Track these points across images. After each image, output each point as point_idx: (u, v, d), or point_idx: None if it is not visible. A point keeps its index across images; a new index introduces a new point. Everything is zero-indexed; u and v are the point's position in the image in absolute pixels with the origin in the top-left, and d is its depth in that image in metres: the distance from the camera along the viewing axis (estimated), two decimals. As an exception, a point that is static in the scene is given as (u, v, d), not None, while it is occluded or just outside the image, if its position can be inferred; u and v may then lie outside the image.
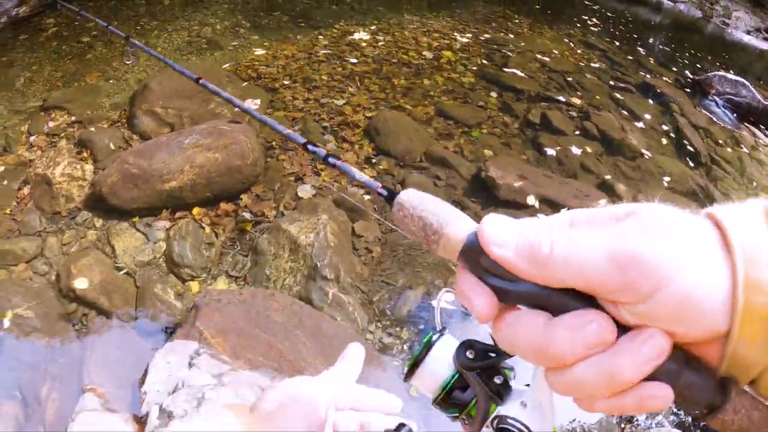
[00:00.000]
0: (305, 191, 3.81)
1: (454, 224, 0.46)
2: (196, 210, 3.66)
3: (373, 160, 4.25)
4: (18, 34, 6.25)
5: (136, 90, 4.89)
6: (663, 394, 0.39)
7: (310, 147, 0.90)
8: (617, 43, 10.05)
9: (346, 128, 4.58)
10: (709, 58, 12.67)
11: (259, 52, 5.81)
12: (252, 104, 4.55)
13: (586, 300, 0.41)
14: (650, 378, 0.39)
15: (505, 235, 0.43)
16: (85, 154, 4.18)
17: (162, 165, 3.68)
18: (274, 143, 4.28)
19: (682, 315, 0.38)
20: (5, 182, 3.91)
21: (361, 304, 3.23)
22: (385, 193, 0.61)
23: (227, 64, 5.50)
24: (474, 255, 0.44)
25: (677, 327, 0.38)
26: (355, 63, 5.70)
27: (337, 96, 5.02)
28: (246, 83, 5.10)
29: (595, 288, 0.40)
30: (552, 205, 4.26)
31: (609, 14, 12.61)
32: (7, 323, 2.91)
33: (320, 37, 6.30)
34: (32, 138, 4.40)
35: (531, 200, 4.21)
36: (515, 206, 4.18)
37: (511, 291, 0.43)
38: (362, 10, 7.56)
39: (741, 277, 0.36)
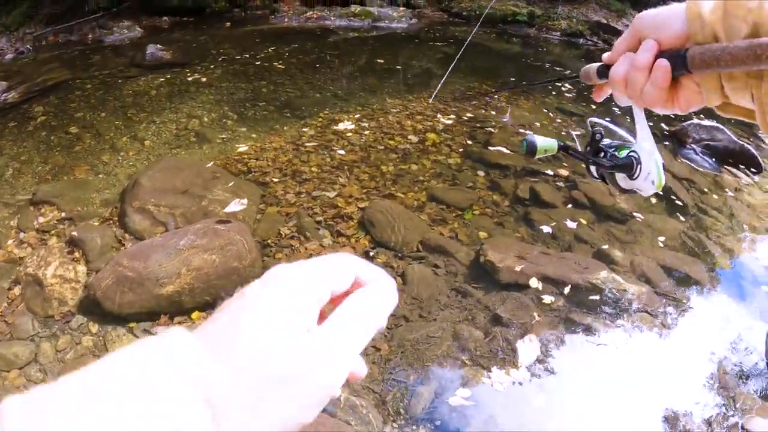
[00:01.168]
0: None
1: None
2: (195, 315, 3.62)
3: (371, 254, 4.26)
4: (7, 121, 6.27)
5: (126, 185, 4.89)
6: (661, 61, 0.75)
7: None
8: (593, 106, 10.26)
9: (340, 221, 4.59)
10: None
11: (248, 144, 5.87)
12: (239, 204, 4.53)
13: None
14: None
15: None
16: (77, 254, 4.12)
17: (158, 268, 3.64)
18: (269, 241, 4.28)
19: (656, 25, 0.77)
20: (-4, 280, 3.85)
21: (374, 405, 3.18)
22: None
23: (217, 159, 5.52)
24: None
25: (655, 34, 0.77)
26: (343, 153, 5.77)
27: (328, 188, 5.06)
28: (237, 178, 5.10)
29: (627, 47, 0.85)
30: (554, 283, 4.27)
31: (578, 77, 12.89)
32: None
33: (306, 127, 6.38)
34: (22, 234, 4.37)
35: (534, 282, 4.22)
36: (517, 288, 4.18)
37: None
38: (345, 97, 7.70)
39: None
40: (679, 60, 0.72)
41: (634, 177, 1.05)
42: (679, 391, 3.80)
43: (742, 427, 3.52)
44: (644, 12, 0.80)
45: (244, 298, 0.44)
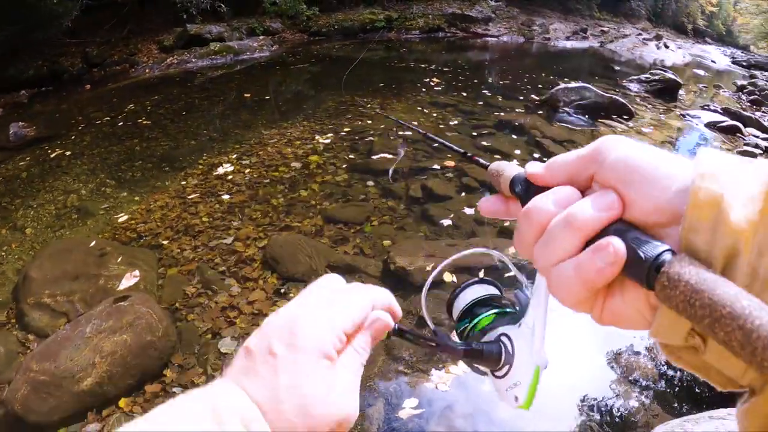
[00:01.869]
0: (227, 345, 3.70)
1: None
2: (122, 402, 3.46)
3: (282, 290, 4.22)
4: None
5: (17, 282, 4.65)
6: (616, 242, 0.44)
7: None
8: (464, 94, 10.58)
9: (243, 266, 4.53)
10: (544, 75, 13.55)
11: (132, 208, 5.67)
12: (132, 278, 4.39)
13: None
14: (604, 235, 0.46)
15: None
16: (-18, 369, 3.90)
17: (71, 363, 3.47)
18: (177, 304, 4.15)
19: (627, 177, 0.46)
20: None
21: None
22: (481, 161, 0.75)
23: (104, 231, 5.32)
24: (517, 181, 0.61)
25: (625, 188, 0.46)
26: (230, 196, 5.71)
27: (223, 235, 4.98)
28: (129, 247, 4.93)
29: (571, 179, 0.53)
30: (467, 271, 4.38)
31: (445, 69, 13.26)
32: None
33: (188, 178, 6.26)
34: None
35: (447, 276, 4.32)
36: (434, 286, 4.20)
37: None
38: (221, 138, 7.64)
39: (699, 169, 0.42)
40: (648, 263, 0.43)
41: (497, 374, 0.68)
42: (618, 347, 4.00)
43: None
44: (618, 140, 0.50)
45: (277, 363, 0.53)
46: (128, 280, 4.12)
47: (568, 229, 0.48)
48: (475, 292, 0.80)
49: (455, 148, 0.84)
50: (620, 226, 0.46)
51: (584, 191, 0.52)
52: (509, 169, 0.62)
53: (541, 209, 0.51)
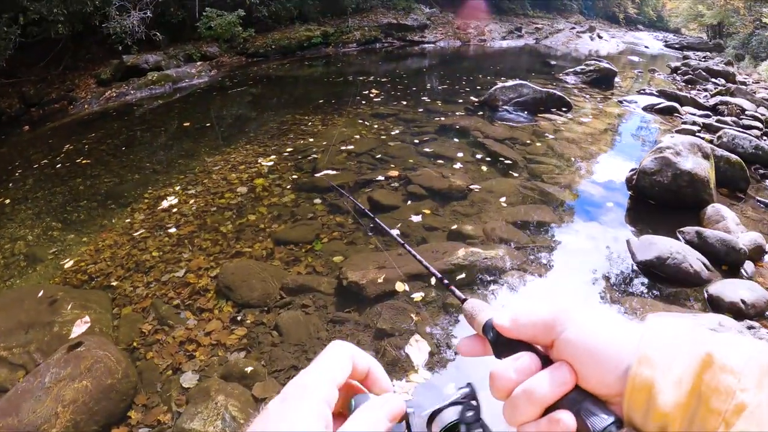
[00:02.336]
0: (189, 380, 3.70)
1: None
2: None
3: (238, 318, 4.24)
4: None
5: (-32, 338, 4.59)
6: (567, 417, 0.53)
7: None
8: (404, 102, 10.73)
9: (198, 297, 4.53)
10: (482, 76, 13.78)
11: (81, 250, 5.60)
12: (83, 324, 4.33)
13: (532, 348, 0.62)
14: (559, 407, 0.55)
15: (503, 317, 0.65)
16: (-60, 435, 3.84)
17: (33, 416, 3.44)
18: (135, 343, 4.12)
19: (580, 357, 0.55)
20: None
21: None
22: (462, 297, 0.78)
23: (54, 276, 5.24)
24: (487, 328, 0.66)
25: (578, 365, 0.55)
26: (178, 228, 5.70)
27: (175, 268, 4.97)
28: (80, 290, 4.87)
29: (533, 339, 0.61)
30: (419, 279, 4.50)
31: (384, 79, 13.37)
32: None
33: (134, 213, 6.22)
34: None
35: (399, 286, 4.42)
36: (388, 297, 4.35)
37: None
38: (165, 170, 7.58)
39: (639, 351, 0.52)
40: None
41: None
42: None
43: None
44: (574, 314, 0.59)
45: (269, 417, 0.54)
46: (79, 327, 4.08)
47: (529, 403, 0.56)
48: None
49: (433, 270, 0.91)
50: (575, 396, 0.54)
51: (547, 349, 0.61)
52: (482, 312, 0.68)
53: (504, 378, 0.59)
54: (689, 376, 0.48)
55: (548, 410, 0.56)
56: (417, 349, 3.79)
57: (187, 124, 10.14)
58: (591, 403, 0.53)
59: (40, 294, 4.82)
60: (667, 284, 4.61)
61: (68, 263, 5.38)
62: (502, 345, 0.63)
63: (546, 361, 0.59)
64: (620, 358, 0.53)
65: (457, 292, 0.80)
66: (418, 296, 4.32)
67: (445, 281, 0.84)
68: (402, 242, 1.10)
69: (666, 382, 0.49)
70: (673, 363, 0.50)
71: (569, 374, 0.55)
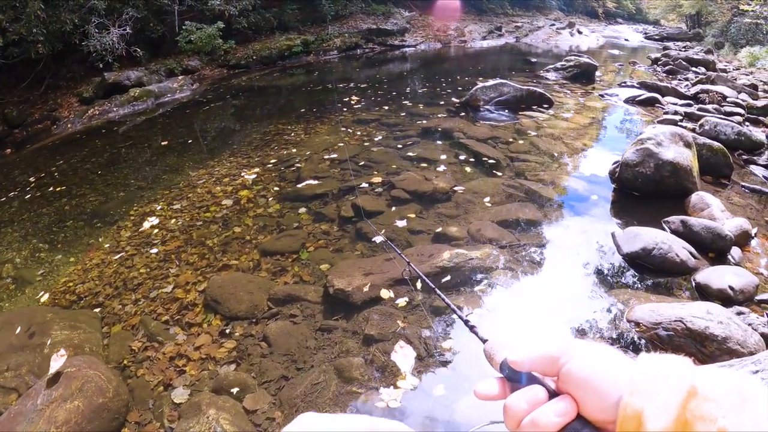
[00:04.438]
0: (180, 395, 3.70)
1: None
2: None
3: (227, 331, 4.25)
4: None
5: (-41, 364, 4.59)
6: None
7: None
8: (386, 107, 10.74)
9: (186, 312, 4.54)
10: (462, 77, 13.81)
11: (69, 270, 5.60)
12: (59, 358, 4.22)
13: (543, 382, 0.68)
14: None
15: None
16: (-63, 464, 3.84)
17: None
18: (125, 361, 4.13)
19: (581, 389, 0.61)
20: None
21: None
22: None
23: (44, 298, 5.23)
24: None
25: (579, 396, 0.62)
26: (165, 243, 5.71)
27: (163, 284, 4.98)
28: (69, 310, 4.87)
29: (542, 371, 0.67)
30: (405, 283, 4.51)
31: (365, 85, 13.39)
32: None
33: (121, 231, 6.22)
34: None
35: (385, 293, 4.43)
36: (374, 303, 4.36)
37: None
38: (150, 186, 7.58)
39: (631, 383, 0.57)
40: None
41: None
42: (570, 312, 4.23)
43: (628, 320, 4.01)
44: (576, 351, 0.65)
45: None
46: (56, 362, 4.02)
47: (535, 429, 0.62)
48: None
49: (455, 309, 1.01)
50: (576, 425, 0.61)
51: (554, 377, 0.67)
52: (500, 352, 0.75)
53: (516, 408, 0.65)
54: (675, 406, 0.53)
55: None
56: (402, 356, 3.79)
57: (170, 138, 10.14)
58: (590, 429, 0.60)
59: (38, 308, 4.83)
60: (655, 275, 4.65)
61: (58, 282, 5.37)
62: (517, 377, 0.71)
63: (554, 393, 0.66)
64: (614, 389, 0.59)
65: (479, 333, 0.87)
66: (402, 302, 4.34)
67: (469, 323, 0.93)
68: (433, 286, 1.24)
69: (654, 411, 0.54)
70: (661, 394, 0.55)
71: (571, 406, 0.62)
